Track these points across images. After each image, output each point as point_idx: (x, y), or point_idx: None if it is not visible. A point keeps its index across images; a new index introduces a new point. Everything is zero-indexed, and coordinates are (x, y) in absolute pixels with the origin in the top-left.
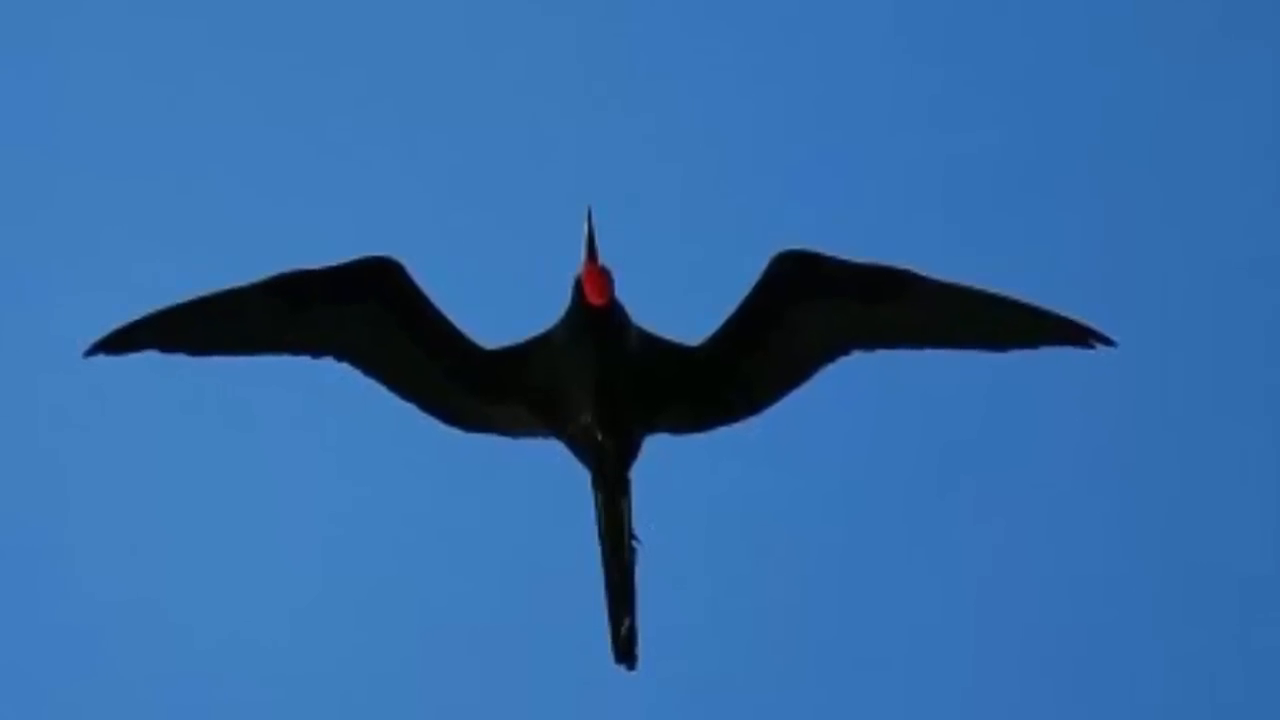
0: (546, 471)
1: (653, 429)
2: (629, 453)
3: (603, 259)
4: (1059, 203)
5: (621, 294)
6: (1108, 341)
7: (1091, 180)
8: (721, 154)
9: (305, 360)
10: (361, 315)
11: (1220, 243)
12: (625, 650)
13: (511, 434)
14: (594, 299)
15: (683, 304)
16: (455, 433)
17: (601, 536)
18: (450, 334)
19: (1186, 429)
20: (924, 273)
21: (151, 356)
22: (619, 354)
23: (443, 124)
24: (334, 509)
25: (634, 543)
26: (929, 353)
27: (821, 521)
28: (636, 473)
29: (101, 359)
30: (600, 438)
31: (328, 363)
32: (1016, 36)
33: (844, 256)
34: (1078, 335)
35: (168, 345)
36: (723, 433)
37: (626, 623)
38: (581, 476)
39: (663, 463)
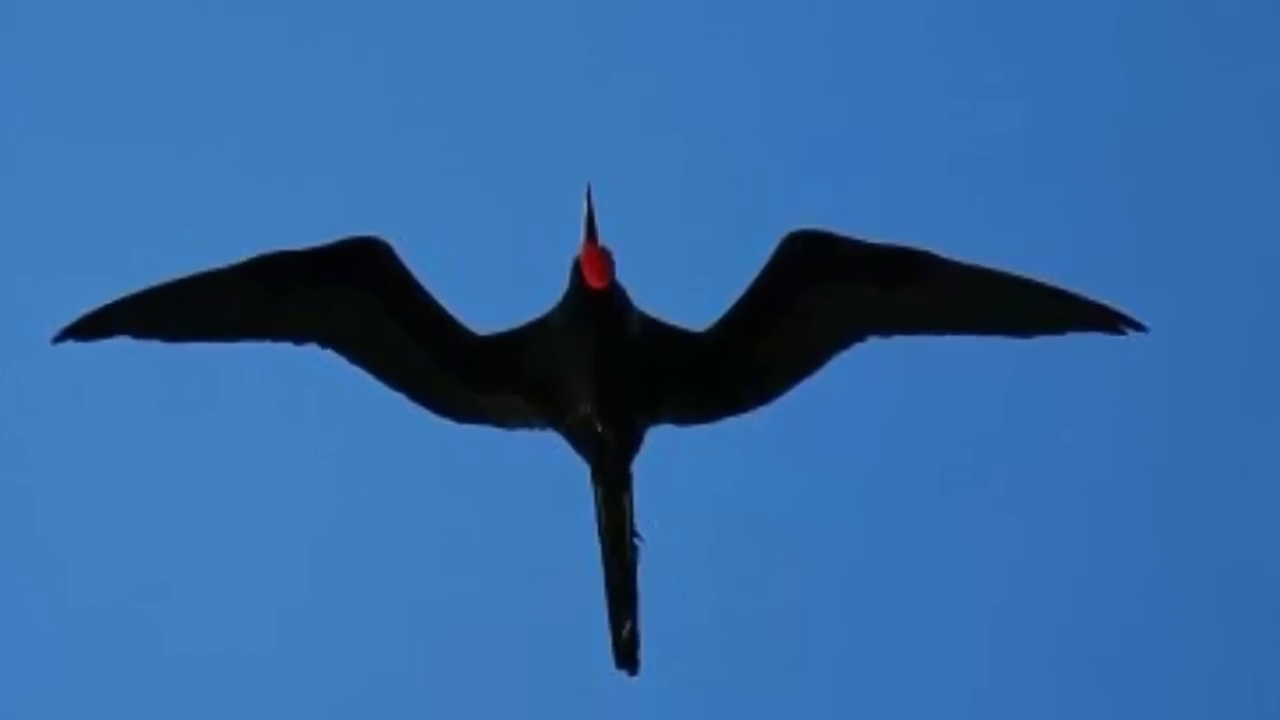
0: (543, 465)
1: (656, 420)
2: (630, 445)
3: (603, 239)
4: (1086, 180)
5: (623, 276)
6: (1139, 326)
7: (1121, 157)
8: (730, 128)
9: (288, 347)
10: (347, 299)
11: (1257, 223)
12: (626, 654)
13: (506, 425)
14: (594, 281)
15: (688, 287)
16: (447, 424)
17: (601, 534)
18: (441, 319)
19: (1223, 420)
20: (944, 254)
21: (124, 343)
22: (620, 340)
23: (432, 96)
24: (318, 505)
25: (636, 541)
26: (949, 339)
27: (834, 519)
28: (638, 466)
29: (71, 345)
30: (600, 429)
31: (311, 350)
32: (1040, 6)
33: (859, 237)
34: (1107, 320)
35: (142, 331)
36: (730, 424)
37: (628, 625)
38: (580, 470)
39: (666, 456)
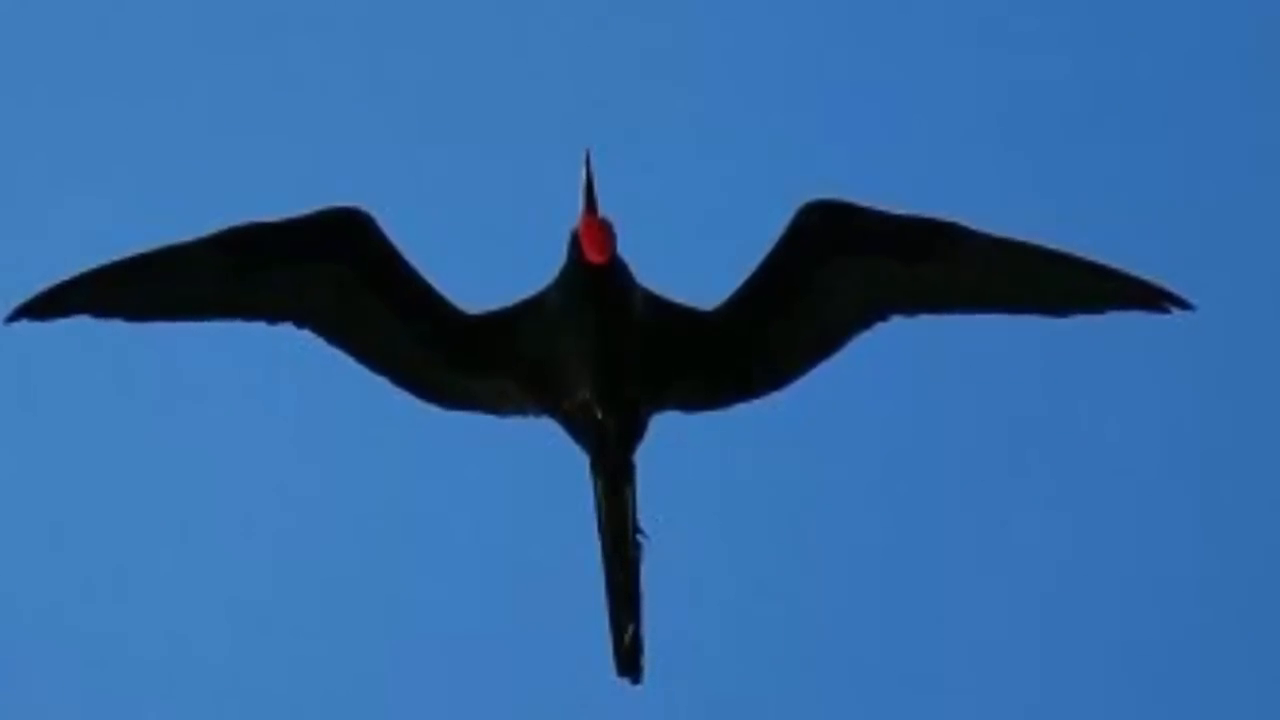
0: (538, 455)
1: (661, 406)
2: (633, 433)
3: (603, 210)
4: (1131, 143)
5: (625, 250)
6: (1185, 305)
7: (1172, 118)
8: (743, 86)
9: (260, 327)
10: (325, 275)
11: None
12: (629, 661)
13: (498, 412)
14: (593, 256)
15: (696, 262)
16: (433, 410)
17: (601, 531)
18: (427, 297)
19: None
20: (974, 226)
21: (83, 322)
22: (622, 319)
23: (416, 50)
24: (293, 499)
25: (639, 538)
26: (979, 318)
27: (855, 514)
28: (642, 456)
29: (24, 325)
30: (600, 416)
31: (286, 329)
32: None
33: (882, 207)
34: (1151, 298)
35: (102, 309)
36: (742, 410)
37: (630, 630)
38: (579, 461)
39: (672, 445)
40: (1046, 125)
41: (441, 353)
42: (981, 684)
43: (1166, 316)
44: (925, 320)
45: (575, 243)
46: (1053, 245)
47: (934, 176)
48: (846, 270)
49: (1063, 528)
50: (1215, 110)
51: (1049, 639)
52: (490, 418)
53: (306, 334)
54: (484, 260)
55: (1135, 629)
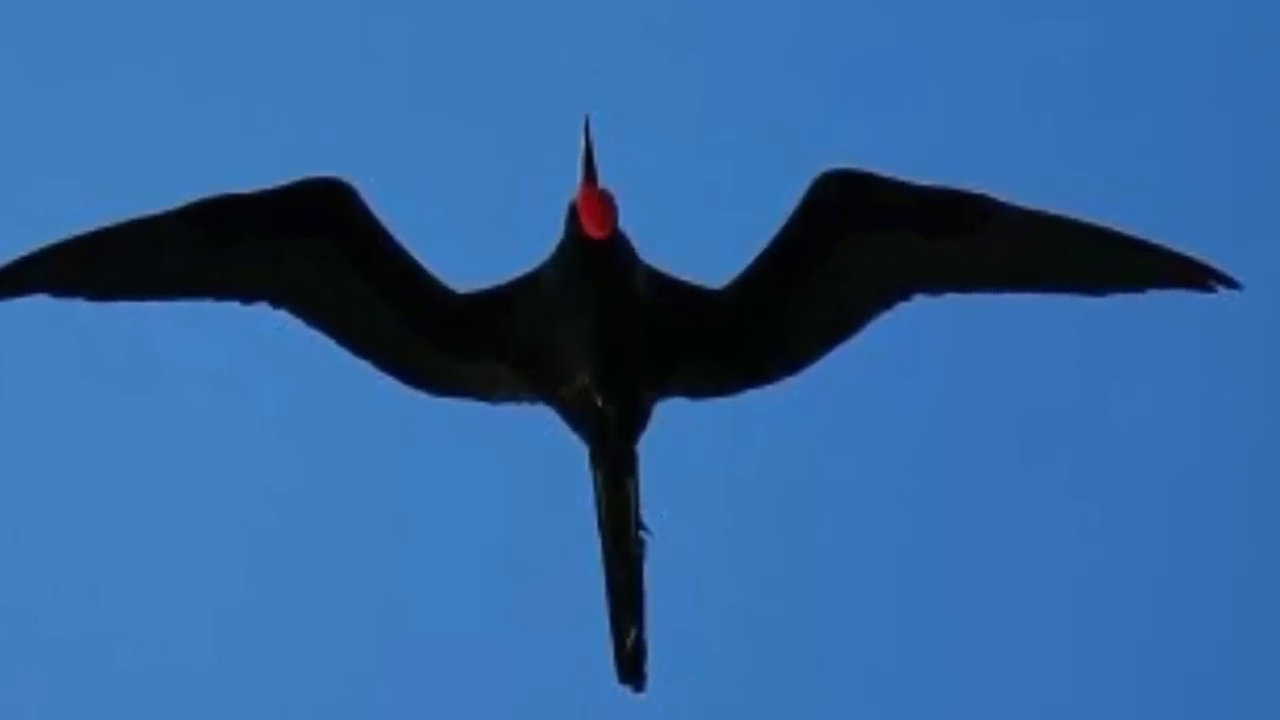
0: (534, 446)
1: (665, 392)
2: (636, 422)
3: (604, 180)
4: (1168, 111)
5: (627, 224)
6: (1231, 283)
7: (1210, 84)
8: (753, 50)
9: (234, 306)
10: (304, 251)
11: None
12: (631, 668)
13: (491, 398)
14: (593, 230)
15: (703, 236)
16: (421, 397)
17: (602, 527)
18: (414, 274)
19: None
20: (1002, 198)
21: (43, 301)
22: (623, 298)
23: (405, 14)
24: (272, 494)
25: (642, 534)
26: (1008, 297)
27: (873, 508)
28: (645, 447)
29: None
30: (601, 403)
31: (262, 309)
32: None
33: (903, 178)
34: (1194, 275)
35: (64, 287)
36: (752, 396)
37: (633, 633)
38: (578, 452)
39: (678, 434)
40: (1076, 92)
41: (429, 335)
42: (996, 685)
43: (1212, 296)
44: (947, 300)
45: (573, 216)
46: (1089, 219)
47: (956, 147)
48: (866, 245)
49: (1087, 526)
50: (1262, 73)
51: (1065, 641)
52: (482, 405)
53: (284, 314)
54: (475, 235)
55: (1162, 632)
